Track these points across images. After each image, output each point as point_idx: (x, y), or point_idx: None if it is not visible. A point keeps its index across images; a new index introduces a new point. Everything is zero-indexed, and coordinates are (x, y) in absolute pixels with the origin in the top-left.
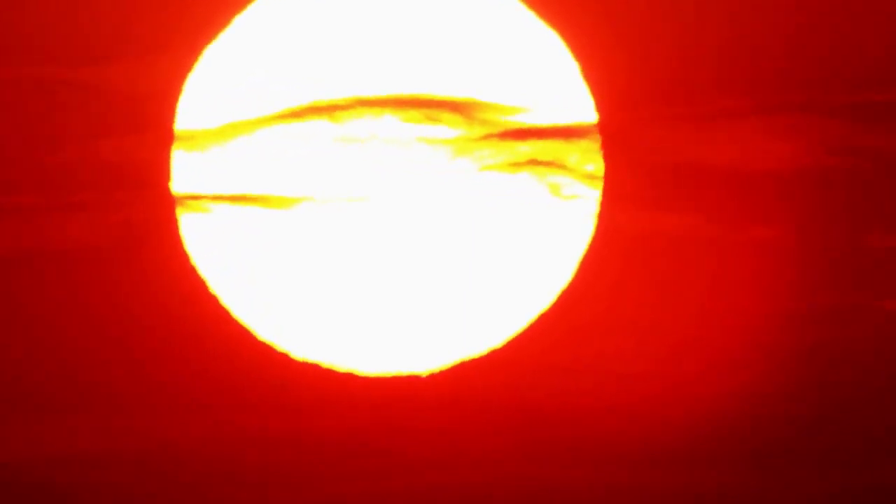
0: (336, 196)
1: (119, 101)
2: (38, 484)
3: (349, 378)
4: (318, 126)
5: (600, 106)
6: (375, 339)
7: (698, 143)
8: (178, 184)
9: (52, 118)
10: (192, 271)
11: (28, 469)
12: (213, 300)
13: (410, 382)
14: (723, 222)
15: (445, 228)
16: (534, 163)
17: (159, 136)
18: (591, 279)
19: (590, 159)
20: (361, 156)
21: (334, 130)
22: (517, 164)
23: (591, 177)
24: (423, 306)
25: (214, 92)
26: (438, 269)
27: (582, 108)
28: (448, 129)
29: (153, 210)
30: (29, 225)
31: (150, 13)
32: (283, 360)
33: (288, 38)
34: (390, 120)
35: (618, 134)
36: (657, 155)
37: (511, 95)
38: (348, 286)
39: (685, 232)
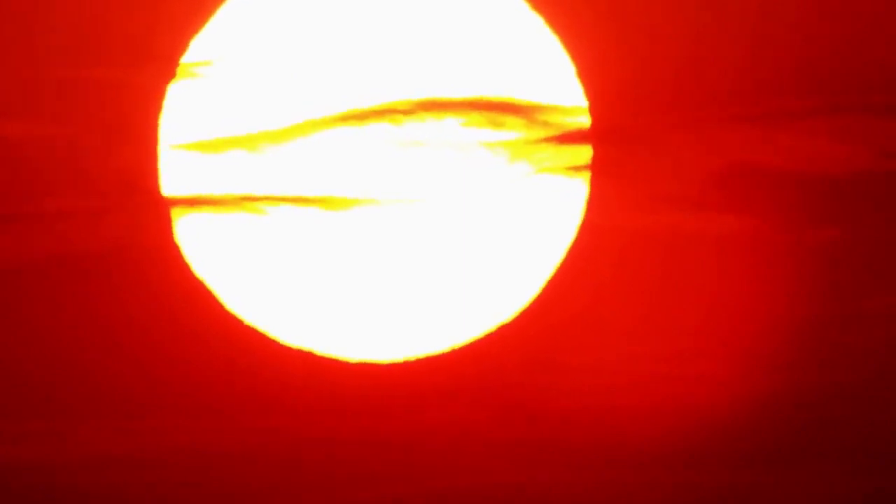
0: (394, 198)
1: (109, 104)
2: (48, 487)
3: (364, 369)
4: (379, 129)
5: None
6: (392, 331)
7: (745, 145)
8: (236, 185)
9: (46, 123)
10: (191, 275)
11: (40, 472)
12: (217, 303)
13: (422, 366)
14: (772, 224)
15: (501, 230)
16: (597, 166)
17: (149, 139)
18: (582, 275)
19: (648, 162)
20: (422, 159)
21: (396, 133)
22: (577, 168)
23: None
24: (447, 300)
25: (269, 92)
26: (484, 268)
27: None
28: (508, 132)
29: (147, 215)
30: (31, 232)
31: (137, 11)
32: (303, 358)
33: (332, 37)
34: (452, 123)
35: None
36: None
37: (568, 97)
38: (387, 286)
39: (691, 233)
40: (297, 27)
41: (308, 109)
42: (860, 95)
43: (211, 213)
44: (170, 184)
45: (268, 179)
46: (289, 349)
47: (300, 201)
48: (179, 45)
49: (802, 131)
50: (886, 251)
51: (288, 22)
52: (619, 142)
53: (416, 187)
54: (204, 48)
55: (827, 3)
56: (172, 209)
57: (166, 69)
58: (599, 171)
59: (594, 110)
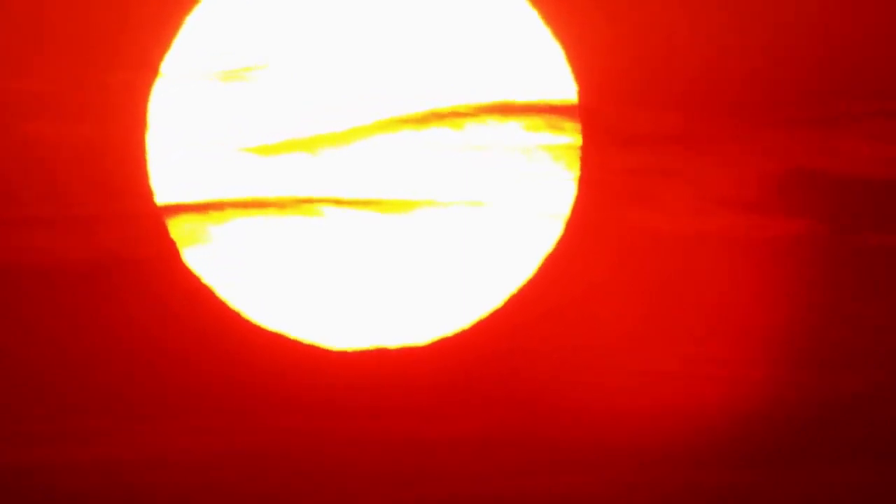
0: (452, 200)
1: (95, 107)
2: (56, 489)
3: (368, 357)
4: (440, 132)
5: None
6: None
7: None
8: (292, 187)
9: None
10: (194, 279)
11: (49, 474)
12: (224, 307)
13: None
14: (826, 228)
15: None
16: (649, 169)
17: (137, 145)
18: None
19: (705, 166)
20: (481, 162)
21: (456, 137)
22: (633, 171)
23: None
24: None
25: (333, 92)
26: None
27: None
28: (567, 135)
29: (144, 221)
30: (33, 238)
31: (121, 17)
32: (307, 351)
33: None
34: (513, 127)
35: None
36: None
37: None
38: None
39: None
40: (304, 30)
41: (359, 114)
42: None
43: (269, 216)
44: (221, 188)
45: (325, 182)
46: (294, 343)
47: (358, 204)
48: (159, 50)
49: (862, 135)
50: None
51: (310, 25)
52: (676, 146)
53: (475, 189)
54: (247, 51)
55: (888, 4)
56: (224, 212)
57: (148, 73)
58: (655, 173)
59: (650, 116)
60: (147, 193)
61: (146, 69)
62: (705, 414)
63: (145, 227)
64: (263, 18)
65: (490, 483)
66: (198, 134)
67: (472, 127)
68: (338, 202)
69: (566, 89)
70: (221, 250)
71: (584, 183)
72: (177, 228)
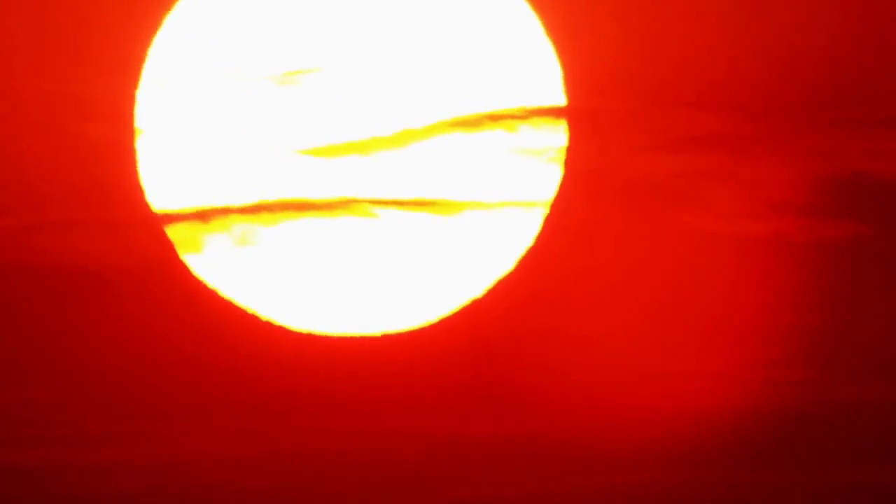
0: (502, 202)
1: (86, 109)
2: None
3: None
4: (492, 135)
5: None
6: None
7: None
8: (340, 188)
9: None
10: (195, 281)
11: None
12: (232, 307)
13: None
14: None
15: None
16: (706, 173)
17: (129, 148)
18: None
19: (755, 168)
20: (533, 165)
21: (509, 140)
22: (684, 175)
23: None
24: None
25: (382, 97)
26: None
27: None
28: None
29: (139, 225)
30: (33, 240)
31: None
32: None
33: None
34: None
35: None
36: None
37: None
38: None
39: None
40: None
41: (414, 116)
42: None
43: (318, 217)
44: (272, 189)
45: (377, 183)
46: (295, 333)
47: (408, 205)
48: (142, 54)
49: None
50: None
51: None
52: (720, 147)
53: (525, 191)
54: (293, 53)
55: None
56: (282, 213)
57: (133, 79)
58: (706, 176)
59: (700, 117)
60: (150, 197)
61: (156, 71)
62: (712, 415)
63: (154, 230)
64: (307, 20)
65: (489, 484)
66: (247, 136)
67: (526, 130)
68: (387, 203)
69: (591, 93)
70: (270, 252)
71: (702, 192)
72: (227, 230)
